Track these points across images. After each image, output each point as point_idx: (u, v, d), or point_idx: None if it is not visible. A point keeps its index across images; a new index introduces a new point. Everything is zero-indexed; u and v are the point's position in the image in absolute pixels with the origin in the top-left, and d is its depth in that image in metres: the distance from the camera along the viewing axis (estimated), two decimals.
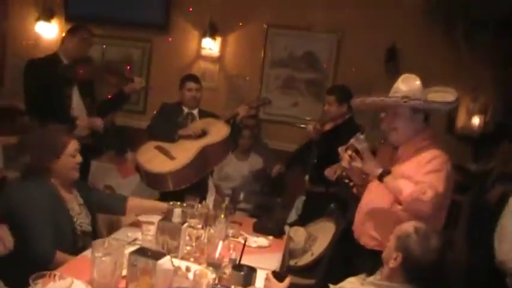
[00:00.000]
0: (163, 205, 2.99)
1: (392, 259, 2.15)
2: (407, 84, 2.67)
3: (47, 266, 2.29)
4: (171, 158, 3.55)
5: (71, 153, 2.66)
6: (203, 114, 4.14)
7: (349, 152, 2.75)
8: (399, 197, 2.49)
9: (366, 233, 2.75)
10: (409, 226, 2.19)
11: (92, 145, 4.17)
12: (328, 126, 4.20)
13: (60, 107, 3.90)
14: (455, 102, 2.70)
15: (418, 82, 2.68)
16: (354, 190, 3.07)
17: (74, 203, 2.74)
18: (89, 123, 4.01)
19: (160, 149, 3.65)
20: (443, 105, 2.68)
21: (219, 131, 3.72)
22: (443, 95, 2.72)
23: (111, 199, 3.11)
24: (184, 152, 3.57)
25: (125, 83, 4.17)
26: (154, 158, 3.59)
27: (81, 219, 2.72)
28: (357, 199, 3.01)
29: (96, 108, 4.14)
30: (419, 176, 2.52)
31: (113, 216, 3.33)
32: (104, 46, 5.87)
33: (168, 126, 3.91)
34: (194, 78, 4.24)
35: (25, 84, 4.00)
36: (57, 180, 2.66)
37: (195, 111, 4.15)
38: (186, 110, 4.13)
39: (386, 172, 2.54)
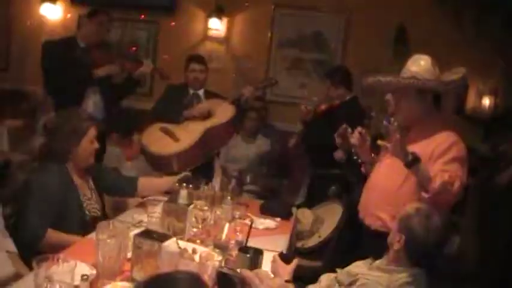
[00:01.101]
0: (173, 179, 3.00)
1: (396, 241, 2.14)
2: (417, 65, 2.61)
3: (36, 242, 2.39)
4: (176, 139, 3.52)
5: (90, 139, 2.70)
6: (209, 95, 4.09)
7: (360, 129, 2.72)
8: (428, 185, 2.38)
9: (371, 213, 2.71)
10: (410, 207, 2.19)
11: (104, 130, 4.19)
12: (323, 107, 4.17)
13: (74, 91, 3.94)
14: (461, 81, 2.64)
15: (427, 62, 2.62)
16: (362, 169, 3.02)
17: (85, 188, 2.77)
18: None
19: (165, 130, 3.62)
20: (448, 85, 2.62)
21: (224, 113, 3.67)
22: (454, 77, 2.67)
23: (122, 181, 3.12)
24: (188, 133, 3.54)
25: (136, 67, 4.16)
26: (159, 140, 3.56)
27: (92, 205, 2.75)
28: (364, 179, 2.98)
29: (112, 93, 4.16)
30: (440, 163, 2.45)
31: (119, 198, 3.32)
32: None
33: (173, 107, 3.87)
34: (198, 59, 4.18)
35: (43, 65, 4.04)
36: (73, 165, 2.69)
37: (201, 92, 4.10)
38: (191, 91, 4.09)
39: (417, 159, 2.43)
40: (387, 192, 2.64)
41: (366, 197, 2.82)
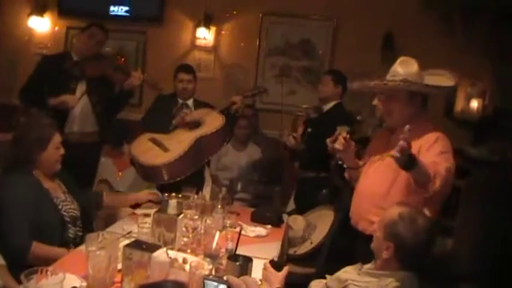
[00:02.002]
0: (138, 196, 3.16)
1: (383, 250, 2.13)
2: (405, 67, 2.63)
3: (24, 257, 2.37)
4: (165, 149, 3.51)
5: (55, 146, 2.72)
6: (198, 104, 4.10)
7: (344, 134, 2.74)
8: (427, 185, 2.36)
9: (364, 218, 2.72)
10: (392, 213, 2.16)
11: (98, 142, 4.22)
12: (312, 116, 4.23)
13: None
14: (454, 87, 2.69)
15: (415, 65, 2.65)
16: (346, 175, 3.04)
17: (58, 191, 2.77)
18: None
19: (154, 141, 3.61)
20: (443, 90, 2.65)
21: (213, 122, 3.67)
22: (439, 79, 2.69)
23: (88, 195, 3.13)
24: (178, 143, 3.53)
25: (125, 79, 4.12)
26: (149, 150, 3.55)
27: (67, 206, 2.74)
28: (349, 184, 3.00)
29: (104, 107, 4.11)
30: (429, 156, 2.46)
31: (110, 210, 3.33)
32: None
33: (162, 117, 3.87)
34: (186, 69, 4.19)
35: (30, 77, 4.01)
36: (40, 172, 2.69)
37: (190, 102, 4.11)
38: (180, 101, 4.09)
39: (416, 160, 2.40)
40: (377, 196, 2.65)
41: (356, 203, 2.83)
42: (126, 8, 5.80)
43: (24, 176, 2.61)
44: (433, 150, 2.48)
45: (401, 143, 2.19)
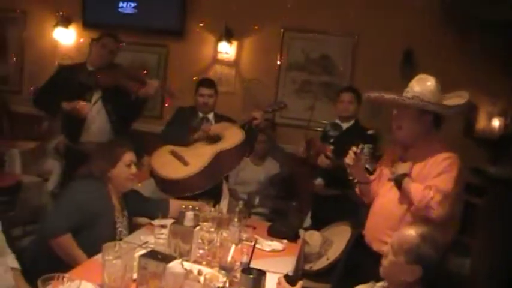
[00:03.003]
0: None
1: (407, 273, 2.06)
2: (421, 85, 2.63)
3: (51, 237, 2.53)
4: (185, 163, 3.53)
5: (126, 164, 2.86)
6: (219, 118, 4.11)
7: (354, 149, 2.75)
8: (410, 201, 2.44)
9: (378, 239, 2.71)
10: (412, 236, 2.07)
11: None
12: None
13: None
14: (465, 106, 2.67)
15: (432, 83, 2.64)
16: (357, 190, 3.06)
17: (119, 211, 2.91)
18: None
19: (174, 154, 3.63)
20: (454, 110, 2.63)
21: (233, 136, 3.68)
22: (456, 99, 2.68)
23: (152, 204, 3.24)
24: (198, 157, 3.54)
25: (140, 88, 4.13)
26: (169, 163, 3.58)
27: (122, 228, 2.89)
28: (362, 201, 3.01)
29: (119, 116, 4.14)
30: (429, 180, 2.48)
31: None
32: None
33: (182, 130, 3.89)
34: (207, 83, 4.19)
35: (45, 83, 4.09)
36: (112, 187, 2.86)
37: (210, 116, 4.12)
38: (200, 114, 4.11)
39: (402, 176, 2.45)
40: (393, 217, 2.65)
41: (371, 222, 2.82)
42: (134, 4, 5.91)
43: (97, 184, 2.79)
44: (434, 171, 2.48)
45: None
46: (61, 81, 3.98)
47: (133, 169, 2.90)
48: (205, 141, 3.75)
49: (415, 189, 2.47)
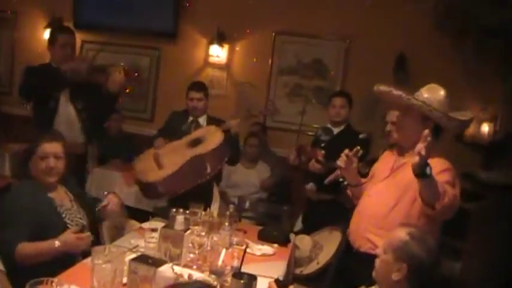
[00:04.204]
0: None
1: (394, 272, 2.09)
2: (430, 93, 2.65)
3: (10, 255, 2.38)
4: (160, 166, 3.50)
5: (40, 156, 2.67)
6: (211, 120, 4.08)
7: (347, 151, 2.76)
8: (436, 201, 2.38)
9: (361, 236, 2.74)
10: (401, 234, 2.11)
11: (83, 155, 4.12)
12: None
13: (43, 111, 3.85)
14: (467, 123, 2.73)
15: (442, 93, 2.66)
16: (348, 192, 3.07)
17: (64, 199, 2.78)
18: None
19: (155, 157, 3.59)
20: (452, 121, 2.64)
21: (212, 140, 3.64)
22: (460, 116, 2.70)
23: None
24: (174, 160, 3.50)
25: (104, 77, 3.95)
26: (147, 167, 3.55)
27: (72, 214, 2.74)
28: (352, 204, 3.02)
29: (90, 114, 4.01)
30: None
31: (116, 223, 3.33)
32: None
33: (173, 134, 3.86)
34: (197, 87, 4.14)
35: (19, 87, 3.93)
36: (41, 181, 2.69)
37: (201, 119, 4.09)
38: (191, 118, 4.10)
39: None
40: (378, 216, 2.68)
41: (356, 221, 2.85)
42: (141, 23, 5.87)
43: (30, 184, 2.66)
44: (439, 178, 2.46)
45: (420, 146, 2.21)
46: (30, 82, 3.83)
47: (50, 162, 2.67)
48: (187, 145, 3.71)
49: (447, 190, 2.43)
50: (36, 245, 2.45)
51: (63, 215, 2.67)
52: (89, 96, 3.94)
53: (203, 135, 3.72)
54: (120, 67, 3.94)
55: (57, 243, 2.42)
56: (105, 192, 2.94)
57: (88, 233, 2.53)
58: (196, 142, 3.66)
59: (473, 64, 4.78)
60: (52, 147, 2.71)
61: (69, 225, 2.63)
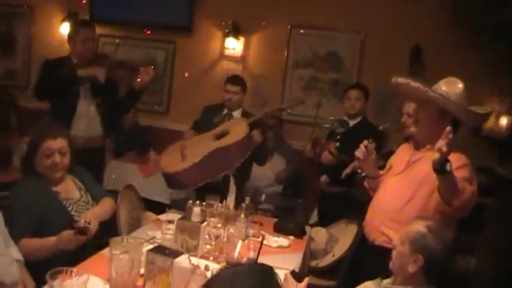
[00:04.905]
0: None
1: (410, 263, 2.09)
2: (449, 86, 2.62)
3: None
4: (183, 157, 3.52)
5: (45, 154, 2.64)
6: (246, 115, 4.09)
7: (366, 142, 2.78)
8: (455, 196, 2.36)
9: (376, 229, 2.73)
10: (419, 226, 2.13)
11: (102, 148, 4.17)
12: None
13: (62, 105, 3.86)
14: (485, 116, 2.73)
15: (460, 87, 2.63)
16: (366, 184, 3.06)
17: (70, 191, 2.77)
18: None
19: (182, 148, 3.62)
20: (470, 114, 2.61)
21: (236, 133, 3.66)
22: (479, 110, 2.67)
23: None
24: (197, 151, 3.52)
25: (130, 76, 4.02)
26: (172, 157, 3.59)
27: (80, 205, 2.73)
28: (366, 197, 3.02)
29: (109, 109, 4.03)
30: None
31: (133, 214, 3.36)
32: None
33: (207, 127, 3.88)
34: (234, 80, 4.21)
35: (36, 82, 3.98)
36: (46, 176, 2.69)
37: (236, 113, 4.14)
38: (225, 110, 4.13)
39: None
40: (392, 209, 2.66)
41: (371, 214, 2.84)
42: (156, 17, 5.88)
43: (34, 180, 2.64)
44: (457, 174, 2.44)
45: (441, 142, 2.19)
46: (49, 76, 3.84)
47: (56, 158, 2.65)
48: (213, 137, 3.73)
49: (466, 187, 2.42)
50: (37, 241, 2.48)
51: (70, 208, 2.67)
52: (109, 91, 3.98)
53: (229, 127, 3.74)
54: (149, 67, 3.93)
55: (53, 239, 2.43)
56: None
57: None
58: (222, 134, 3.68)
59: (490, 56, 4.72)
60: (57, 144, 2.68)
61: (75, 218, 2.61)
